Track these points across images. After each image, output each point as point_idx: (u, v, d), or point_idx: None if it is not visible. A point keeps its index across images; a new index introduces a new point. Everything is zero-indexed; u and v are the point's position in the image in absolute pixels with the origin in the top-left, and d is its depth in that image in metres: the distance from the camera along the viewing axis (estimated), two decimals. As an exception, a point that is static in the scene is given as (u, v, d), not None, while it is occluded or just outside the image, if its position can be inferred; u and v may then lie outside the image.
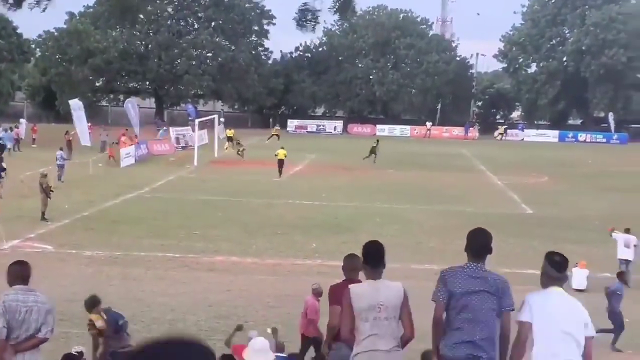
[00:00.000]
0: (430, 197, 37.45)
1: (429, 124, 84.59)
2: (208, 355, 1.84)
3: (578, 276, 21.42)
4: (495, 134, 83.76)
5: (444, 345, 6.76)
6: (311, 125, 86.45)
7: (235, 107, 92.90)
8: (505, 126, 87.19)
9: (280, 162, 44.16)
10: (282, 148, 45.37)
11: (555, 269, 6.77)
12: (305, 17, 11.82)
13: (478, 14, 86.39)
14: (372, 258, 6.97)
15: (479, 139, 79.95)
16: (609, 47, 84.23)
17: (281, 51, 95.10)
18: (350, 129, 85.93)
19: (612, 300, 17.27)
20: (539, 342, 6.56)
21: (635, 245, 22.92)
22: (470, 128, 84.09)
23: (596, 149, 72.45)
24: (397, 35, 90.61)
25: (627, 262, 22.68)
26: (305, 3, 11.89)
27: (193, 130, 55.19)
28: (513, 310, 6.91)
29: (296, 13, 11.81)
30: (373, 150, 51.94)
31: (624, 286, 17.81)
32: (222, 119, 64.31)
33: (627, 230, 23.57)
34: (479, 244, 6.89)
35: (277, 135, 64.68)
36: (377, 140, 54.74)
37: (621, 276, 18.20)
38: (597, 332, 16.78)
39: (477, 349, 6.65)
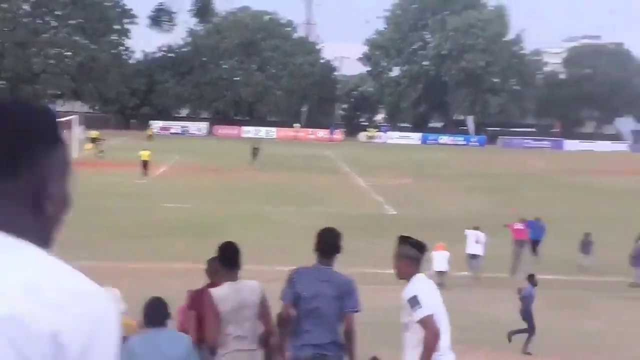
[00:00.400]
0: (296, 198, 37.40)
1: (297, 125, 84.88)
2: (45, 111, 1.63)
3: (438, 258, 22.11)
4: (363, 136, 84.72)
5: (292, 345, 6.75)
6: (175, 126, 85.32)
7: (96, 107, 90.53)
8: (377, 129, 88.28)
9: (144, 163, 43.30)
10: (146, 149, 44.58)
11: (417, 249, 6.77)
12: (161, 17, 11.47)
13: (367, 21, 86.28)
14: (228, 259, 6.89)
15: (345, 141, 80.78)
16: (468, 51, 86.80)
17: (144, 51, 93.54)
18: (215, 130, 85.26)
19: (526, 303, 17.66)
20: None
21: (484, 242, 24.14)
22: (336, 130, 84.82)
23: (456, 150, 74.45)
24: (262, 37, 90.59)
25: (475, 257, 24.02)
26: (162, 3, 11.53)
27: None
28: (357, 311, 6.88)
29: (152, 12, 11.44)
30: (255, 152, 52.34)
31: (534, 288, 18.19)
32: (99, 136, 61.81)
33: (477, 228, 24.79)
34: (327, 243, 6.89)
35: (150, 135, 65.78)
36: (257, 142, 55.19)
37: (531, 279, 18.67)
38: (513, 332, 17.25)
39: (323, 349, 6.65)
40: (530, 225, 26.73)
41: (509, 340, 17.24)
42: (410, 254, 6.74)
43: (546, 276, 24.07)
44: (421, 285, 6.71)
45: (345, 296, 6.79)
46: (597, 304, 20.70)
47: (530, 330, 17.44)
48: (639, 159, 66.42)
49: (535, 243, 26.61)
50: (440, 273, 21.88)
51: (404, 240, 6.85)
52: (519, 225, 26.22)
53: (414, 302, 6.55)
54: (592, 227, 27.42)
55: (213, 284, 7.48)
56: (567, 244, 26.43)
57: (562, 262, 25.07)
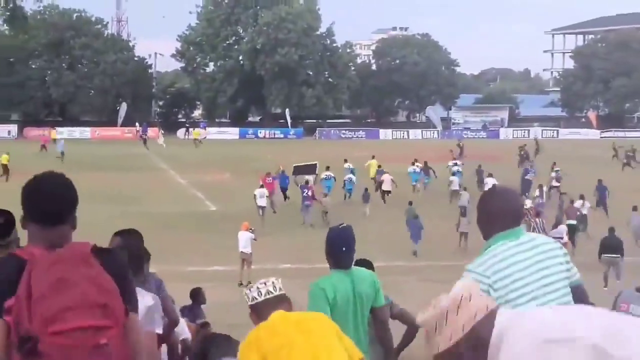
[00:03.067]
0: (111, 198, 36.59)
1: (137, 124, 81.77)
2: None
3: (242, 239, 22.91)
4: (182, 133, 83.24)
5: None
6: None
7: None
8: (203, 129, 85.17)
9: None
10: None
11: None
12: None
13: (164, 16, 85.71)
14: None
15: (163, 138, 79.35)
16: (281, 46, 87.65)
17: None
18: (26, 132, 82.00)
19: None
20: None
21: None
22: (149, 128, 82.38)
23: (275, 144, 75.08)
24: (72, 36, 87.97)
25: (262, 207, 31.56)
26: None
27: None
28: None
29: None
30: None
31: None
32: None
33: (262, 186, 32.79)
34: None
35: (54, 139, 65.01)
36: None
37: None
38: None
39: None
40: (281, 177, 37.12)
41: None
42: None
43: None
44: None
45: None
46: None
47: None
48: (446, 145, 69.35)
49: (283, 190, 36.64)
50: (243, 253, 22.59)
51: None
52: (269, 179, 34.85)
53: None
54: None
55: None
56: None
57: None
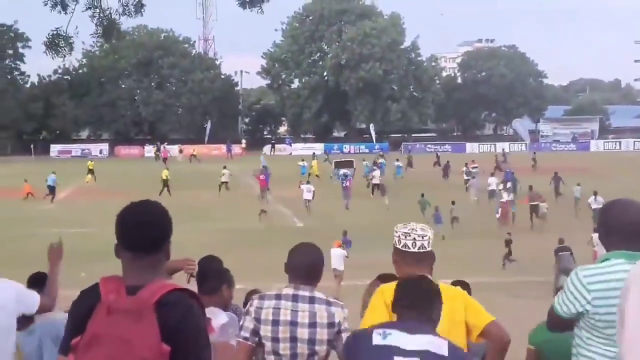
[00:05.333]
0: (197, 215, 36.90)
1: (244, 141, 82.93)
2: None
3: (335, 256, 22.72)
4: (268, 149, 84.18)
5: None
6: (75, 149, 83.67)
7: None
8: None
9: (165, 183, 45.70)
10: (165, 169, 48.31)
11: None
12: (57, 43, 11.08)
13: (276, 30, 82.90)
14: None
15: (248, 155, 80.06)
16: (365, 61, 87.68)
17: (39, 74, 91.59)
18: (117, 151, 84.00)
19: None
20: None
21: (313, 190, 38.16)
22: (232, 145, 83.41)
23: (360, 159, 74.79)
24: (160, 55, 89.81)
25: (309, 200, 37.93)
26: (58, 28, 11.15)
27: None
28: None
29: (48, 38, 11.06)
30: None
31: None
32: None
33: (308, 182, 39.79)
34: None
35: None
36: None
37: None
38: None
39: None
40: (265, 174, 44.47)
41: None
42: None
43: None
44: None
45: None
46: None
47: None
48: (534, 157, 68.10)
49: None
50: (336, 270, 22.37)
51: None
52: (262, 177, 43.32)
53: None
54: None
55: None
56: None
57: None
